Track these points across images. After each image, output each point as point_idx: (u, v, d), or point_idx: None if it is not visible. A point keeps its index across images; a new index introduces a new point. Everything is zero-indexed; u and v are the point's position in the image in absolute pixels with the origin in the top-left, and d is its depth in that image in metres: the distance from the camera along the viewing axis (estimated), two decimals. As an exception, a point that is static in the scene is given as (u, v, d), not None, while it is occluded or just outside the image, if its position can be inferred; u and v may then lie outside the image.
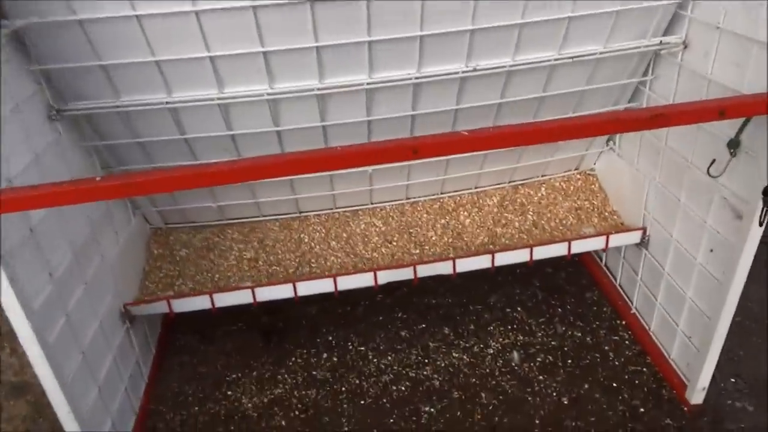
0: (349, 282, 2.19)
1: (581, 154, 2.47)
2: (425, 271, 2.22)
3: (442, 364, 2.35)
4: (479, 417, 2.13)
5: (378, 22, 1.65)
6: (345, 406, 2.21)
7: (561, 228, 2.41)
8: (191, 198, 2.27)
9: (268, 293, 2.16)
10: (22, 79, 1.63)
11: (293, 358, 2.44)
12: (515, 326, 2.50)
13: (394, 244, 2.39)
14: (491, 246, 2.34)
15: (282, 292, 2.17)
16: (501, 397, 2.20)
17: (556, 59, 1.88)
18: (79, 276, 1.83)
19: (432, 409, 2.17)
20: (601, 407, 2.13)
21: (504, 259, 2.25)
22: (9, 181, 1.50)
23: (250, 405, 2.24)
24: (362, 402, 2.22)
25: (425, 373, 2.32)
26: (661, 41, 1.90)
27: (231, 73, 1.74)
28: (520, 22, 1.74)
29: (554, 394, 2.19)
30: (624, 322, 2.47)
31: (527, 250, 2.25)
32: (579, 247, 2.28)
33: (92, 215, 1.95)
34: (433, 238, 2.40)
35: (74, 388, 1.68)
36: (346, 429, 2.13)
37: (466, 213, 2.49)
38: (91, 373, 1.82)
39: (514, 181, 2.56)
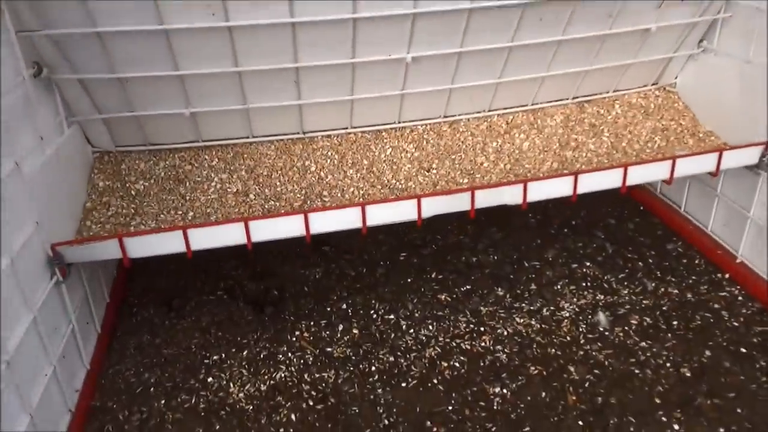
0: (382, 213, 1.55)
1: (664, 61, 1.93)
2: (487, 198, 1.61)
3: (505, 333, 1.73)
4: (575, 399, 1.51)
5: None
6: (379, 391, 1.56)
7: (648, 151, 1.84)
8: (155, 98, 1.59)
9: (268, 229, 1.50)
10: None
11: (297, 332, 1.77)
12: (589, 284, 1.91)
13: (434, 172, 1.77)
14: (578, 166, 1.76)
15: (287, 227, 1.51)
16: (597, 371, 1.58)
17: None
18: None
19: (505, 391, 1.54)
20: (738, 379, 1.54)
21: (590, 183, 1.66)
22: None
23: (242, 395, 1.56)
24: (404, 385, 1.57)
25: (484, 344, 1.69)
26: None
27: None
28: None
29: (668, 365, 1.59)
30: (728, 275, 1.91)
31: (619, 171, 1.67)
32: (685, 167, 1.71)
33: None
34: (485, 165, 1.80)
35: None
36: (386, 422, 1.47)
37: (523, 135, 1.89)
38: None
39: (578, 98, 1.98)
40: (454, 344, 1.70)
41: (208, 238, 1.48)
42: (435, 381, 1.58)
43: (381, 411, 1.50)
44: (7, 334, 1.19)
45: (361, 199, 1.67)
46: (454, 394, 1.53)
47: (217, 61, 1.52)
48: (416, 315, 1.81)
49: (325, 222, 1.53)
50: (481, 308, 1.83)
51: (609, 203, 2.31)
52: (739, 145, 1.74)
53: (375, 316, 1.82)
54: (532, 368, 1.60)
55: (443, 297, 1.89)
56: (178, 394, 1.56)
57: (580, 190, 1.66)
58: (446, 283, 1.95)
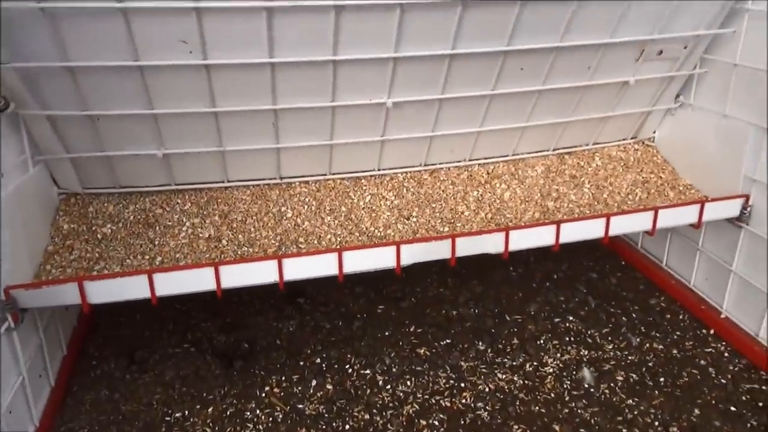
0: (359, 260, 1.49)
1: (646, 112, 1.94)
2: (468, 246, 1.56)
3: (486, 389, 1.64)
4: (561, 459, 1.42)
5: None
6: (340, 444, 1.45)
7: (629, 203, 1.83)
8: (127, 138, 1.55)
9: (239, 275, 1.43)
10: None
11: (267, 388, 1.66)
12: (573, 338, 1.85)
13: (414, 220, 1.73)
14: (559, 215, 1.73)
15: (260, 273, 1.44)
16: (583, 430, 1.50)
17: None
18: None
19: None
20: (730, 439, 1.47)
21: (572, 232, 1.63)
22: None
23: (203, 452, 1.44)
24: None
25: (464, 401, 1.60)
26: None
27: None
28: None
29: (657, 423, 1.52)
30: (713, 331, 1.86)
31: (602, 221, 1.64)
32: (667, 219, 1.69)
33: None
34: (466, 214, 1.76)
35: None
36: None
37: (504, 185, 1.87)
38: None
39: (558, 149, 1.98)
40: (433, 401, 1.60)
41: (175, 283, 1.40)
42: (413, 440, 1.48)
43: (355, 473, 1.39)
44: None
45: (338, 246, 1.61)
46: (433, 455, 1.44)
47: (193, 101, 1.48)
48: (394, 370, 1.73)
49: (300, 268, 1.46)
50: (462, 363, 1.75)
51: (591, 258, 2.28)
52: (720, 197, 1.73)
53: (350, 371, 1.73)
54: (516, 427, 1.51)
55: (422, 351, 1.80)
56: (134, 455, 1.44)
57: (563, 240, 1.62)
58: (425, 336, 1.87)
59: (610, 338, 1.84)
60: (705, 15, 1.65)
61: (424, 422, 1.53)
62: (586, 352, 1.78)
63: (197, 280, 1.40)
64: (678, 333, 1.87)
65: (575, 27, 1.54)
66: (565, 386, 1.65)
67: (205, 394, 1.64)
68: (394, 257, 1.50)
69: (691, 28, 1.68)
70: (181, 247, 1.59)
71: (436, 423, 1.53)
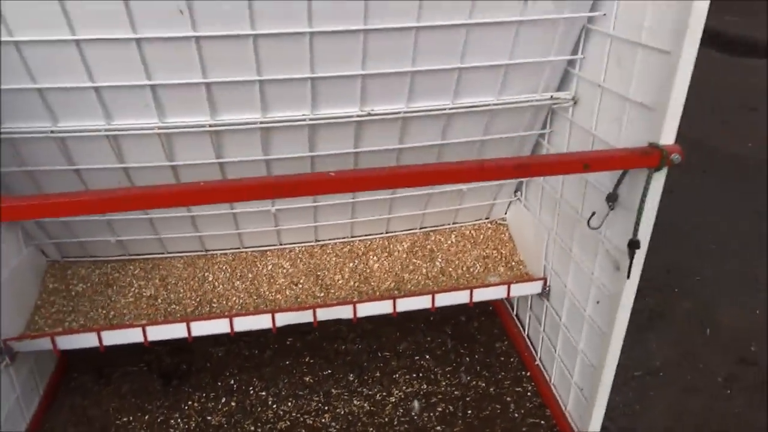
0: (246, 323, 2.15)
1: (489, 203, 2.51)
2: (326, 314, 2.20)
3: (342, 412, 2.30)
4: (372, 470, 2.07)
5: (270, 63, 1.68)
6: (235, 455, 2.13)
7: (467, 276, 2.42)
8: (89, 230, 2.21)
9: (160, 332, 2.10)
10: None
11: (190, 402, 2.35)
12: (421, 374, 2.47)
13: (300, 286, 2.36)
14: (396, 291, 2.33)
15: (175, 331, 2.11)
16: (396, 447, 2.15)
17: (450, 108, 1.92)
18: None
19: (324, 458, 2.11)
20: (498, 462, 2.10)
21: (406, 305, 2.24)
22: None
23: (135, 453, 2.14)
24: (254, 450, 2.15)
25: (324, 420, 2.26)
26: (552, 96, 1.97)
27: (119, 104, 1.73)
28: (411, 70, 1.78)
29: (451, 444, 2.15)
30: (528, 374, 2.46)
31: (429, 297, 2.25)
32: (481, 295, 2.29)
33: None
34: (340, 282, 2.38)
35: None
36: (231, 479, 2.05)
37: (375, 257, 2.48)
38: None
39: (425, 228, 2.57)
40: (301, 419, 2.27)
41: (114, 337, 2.08)
42: (277, 448, 2.15)
43: (231, 469, 2.07)
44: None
45: (240, 308, 2.26)
46: (287, 460, 2.11)
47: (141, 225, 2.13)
48: (282, 393, 2.39)
49: (202, 328, 2.12)
50: (333, 390, 2.40)
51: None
52: (524, 278, 2.32)
53: (251, 391, 2.40)
54: (351, 442, 2.17)
55: (307, 379, 2.46)
56: (90, 447, 2.15)
57: (399, 309, 2.24)
58: (314, 366, 2.53)
59: (448, 376, 2.46)
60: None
61: (290, 435, 2.20)
62: (425, 387, 2.41)
63: (130, 335, 2.08)
64: (503, 373, 2.48)
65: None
66: (397, 413, 2.29)
67: (146, 405, 2.34)
68: (270, 322, 2.15)
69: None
70: (128, 304, 2.26)
71: (297, 436, 2.20)
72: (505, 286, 2.29)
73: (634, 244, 1.58)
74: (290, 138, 1.92)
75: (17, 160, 1.86)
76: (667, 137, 1.52)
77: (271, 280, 2.38)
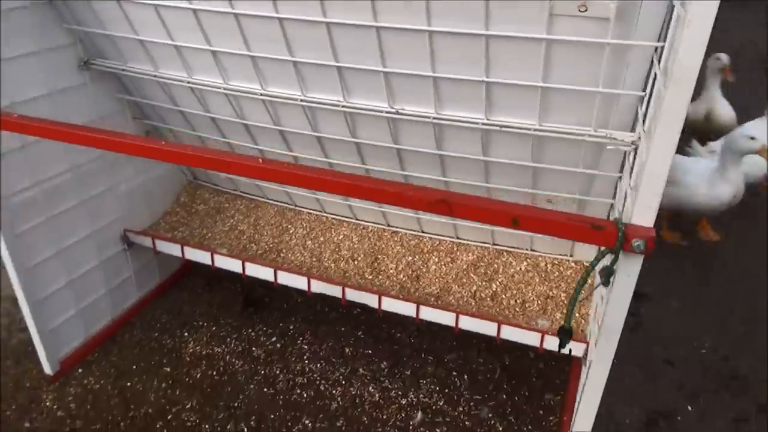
0: (284, 278, 2.34)
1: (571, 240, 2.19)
2: (352, 295, 2.25)
3: (353, 392, 2.36)
4: None
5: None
6: (252, 387, 2.39)
7: (518, 310, 2.18)
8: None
9: (222, 262, 2.43)
10: (58, 30, 2.11)
11: (249, 330, 2.68)
12: (447, 391, 2.36)
13: (355, 263, 2.44)
14: (434, 300, 2.24)
15: (233, 264, 2.41)
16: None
17: (484, 123, 1.74)
18: (76, 195, 2.32)
19: (309, 424, 2.22)
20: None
21: (429, 314, 2.15)
22: (12, 102, 2.00)
23: (190, 350, 2.56)
24: (265, 390, 2.37)
25: (333, 392, 2.36)
26: (608, 135, 1.62)
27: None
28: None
29: None
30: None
31: (453, 315, 2.11)
32: (510, 334, 2.06)
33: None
34: (392, 271, 2.39)
35: (40, 273, 2.21)
36: (235, 404, 2.31)
37: (437, 259, 2.40)
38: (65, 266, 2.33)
39: (498, 245, 2.37)
40: (317, 383, 2.40)
41: (192, 253, 2.48)
42: (281, 397, 2.33)
43: (240, 398, 2.33)
44: (77, 267, 2.39)
45: (298, 264, 2.45)
46: (282, 411, 2.28)
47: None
48: (320, 353, 2.55)
49: (253, 269, 2.38)
50: (360, 369, 2.46)
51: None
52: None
53: (298, 341, 2.61)
54: (340, 421, 2.23)
55: (348, 350, 2.56)
56: (162, 335, 2.65)
57: (423, 317, 2.16)
58: (360, 342, 2.61)
59: (471, 404, 2.30)
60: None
61: (298, 392, 2.36)
62: (441, 404, 2.29)
63: (202, 256, 2.46)
64: (529, 427, 2.21)
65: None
66: (398, 416, 2.25)
67: (221, 318, 2.74)
68: (306, 284, 2.30)
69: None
70: (223, 231, 2.65)
71: (305, 395, 2.34)
72: (539, 335, 2.01)
73: (563, 336, 1.28)
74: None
75: (156, 94, 2.30)
76: (643, 214, 1.18)
77: (336, 249, 2.51)
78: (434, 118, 1.79)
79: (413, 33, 1.58)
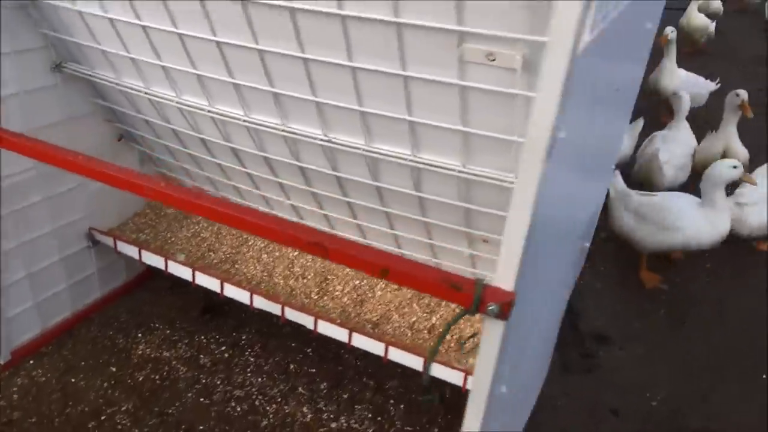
0: (229, 291, 2.36)
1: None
2: (291, 315, 2.27)
3: (286, 411, 2.36)
4: None
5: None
6: (190, 395, 2.41)
7: (452, 346, 2.16)
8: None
9: (174, 269, 2.47)
10: (32, 33, 2.18)
11: (202, 336, 2.71)
12: (379, 419, 2.34)
13: (304, 281, 2.45)
14: (371, 327, 2.24)
15: (183, 272, 2.45)
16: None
17: (410, 159, 1.73)
18: (41, 191, 2.39)
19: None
20: None
21: (360, 342, 2.16)
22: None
23: (139, 352, 2.61)
24: (201, 400, 2.40)
25: (266, 409, 2.37)
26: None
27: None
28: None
29: None
30: None
31: (383, 345, 2.11)
32: (437, 371, 2.03)
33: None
34: (337, 293, 2.39)
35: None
36: (169, 411, 2.34)
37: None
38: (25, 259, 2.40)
39: (445, 278, 2.35)
40: (253, 397, 2.41)
41: (150, 257, 2.53)
42: (215, 408, 2.36)
43: (177, 405, 2.37)
44: (38, 259, 2.46)
45: (249, 277, 2.47)
46: (211, 422, 2.30)
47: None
48: (264, 367, 2.56)
49: (202, 279, 2.42)
50: (299, 388, 2.46)
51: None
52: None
53: (246, 353, 2.63)
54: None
55: (292, 367, 2.57)
56: (118, 334, 2.70)
57: (354, 344, 2.16)
58: (306, 360, 2.61)
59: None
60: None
61: (233, 404, 2.38)
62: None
63: (157, 261, 2.50)
64: None
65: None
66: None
67: (176, 323, 2.78)
68: (249, 299, 2.32)
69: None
70: (185, 237, 2.69)
71: (239, 409, 2.36)
72: (463, 374, 1.99)
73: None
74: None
75: (127, 103, 2.37)
76: (503, 275, 1.15)
77: (289, 265, 2.52)
78: (365, 150, 1.79)
79: (339, 67, 1.59)
